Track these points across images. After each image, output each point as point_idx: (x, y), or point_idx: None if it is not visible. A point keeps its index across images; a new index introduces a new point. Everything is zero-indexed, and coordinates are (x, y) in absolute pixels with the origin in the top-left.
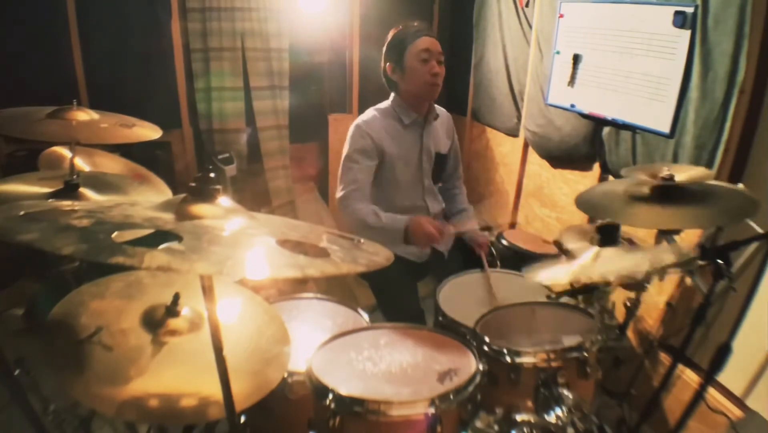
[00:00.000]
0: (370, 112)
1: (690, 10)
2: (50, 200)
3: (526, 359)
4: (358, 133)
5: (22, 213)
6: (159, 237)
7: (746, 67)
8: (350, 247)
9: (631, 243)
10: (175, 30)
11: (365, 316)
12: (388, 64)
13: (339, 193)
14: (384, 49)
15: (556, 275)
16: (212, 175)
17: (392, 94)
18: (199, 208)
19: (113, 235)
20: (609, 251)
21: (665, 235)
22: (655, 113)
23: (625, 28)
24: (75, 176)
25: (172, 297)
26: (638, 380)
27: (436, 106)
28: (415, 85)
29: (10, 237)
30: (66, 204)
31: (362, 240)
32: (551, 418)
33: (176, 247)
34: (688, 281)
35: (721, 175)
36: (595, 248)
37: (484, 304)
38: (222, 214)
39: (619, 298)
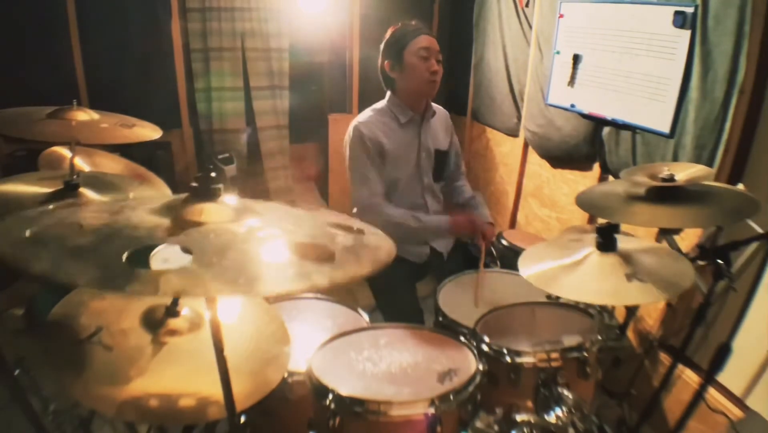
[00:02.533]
0: (366, 113)
1: (690, 10)
2: (51, 206)
3: (526, 359)
4: (357, 139)
5: (27, 234)
6: (169, 253)
7: (746, 67)
8: (353, 241)
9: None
10: (175, 30)
11: (365, 316)
12: (386, 61)
13: (361, 204)
14: (382, 46)
15: (538, 270)
16: (212, 174)
17: (388, 93)
18: (201, 208)
19: (124, 257)
20: (599, 259)
21: (665, 234)
22: (655, 113)
23: (625, 28)
24: (75, 176)
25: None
26: (638, 380)
27: (432, 104)
28: (415, 82)
29: (24, 267)
30: (67, 212)
31: (362, 228)
32: (551, 418)
33: (188, 268)
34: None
35: (721, 175)
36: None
37: (484, 304)
38: (227, 213)
39: None
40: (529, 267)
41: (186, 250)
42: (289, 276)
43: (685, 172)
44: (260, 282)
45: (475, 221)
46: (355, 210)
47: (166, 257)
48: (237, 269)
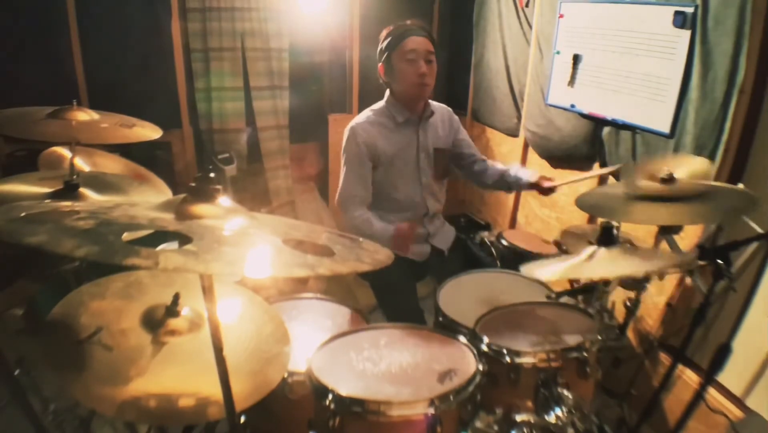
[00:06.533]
0: (364, 113)
1: (690, 10)
2: (47, 201)
3: (526, 359)
4: (351, 138)
5: (22, 215)
6: (169, 238)
7: (746, 67)
8: (352, 246)
9: (630, 244)
10: (175, 30)
11: (365, 317)
12: (380, 65)
13: (339, 197)
14: (377, 50)
15: (553, 272)
16: (212, 175)
17: (387, 93)
18: (199, 208)
19: (123, 236)
20: (606, 251)
21: (665, 234)
22: (655, 113)
23: (625, 28)
24: (75, 176)
25: (172, 297)
26: (638, 380)
27: (433, 102)
28: (404, 85)
29: (17, 239)
30: (65, 205)
31: (362, 239)
32: (551, 418)
33: (189, 248)
34: (688, 281)
35: (721, 175)
36: (593, 247)
37: (484, 304)
38: (223, 214)
39: (619, 298)
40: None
41: (185, 238)
42: (290, 263)
43: (684, 167)
44: (260, 265)
45: (406, 234)
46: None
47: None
48: (237, 254)
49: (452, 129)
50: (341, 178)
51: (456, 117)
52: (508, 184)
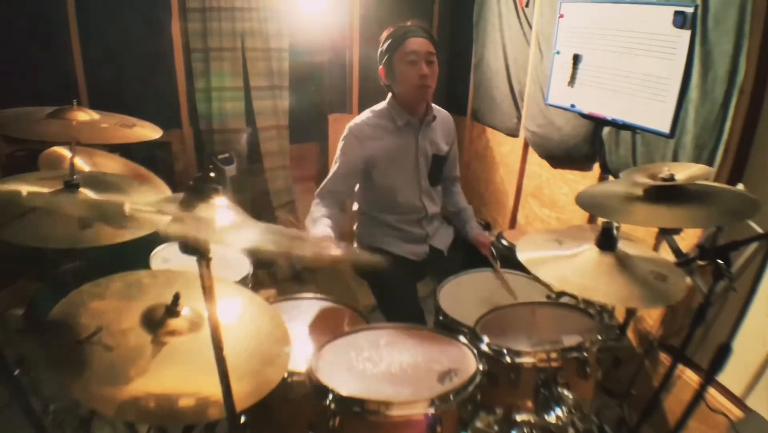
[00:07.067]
0: (364, 114)
1: (690, 10)
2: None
3: (526, 359)
4: (348, 137)
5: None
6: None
7: (746, 67)
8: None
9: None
10: (175, 30)
11: (365, 316)
12: (380, 67)
13: (318, 188)
14: (378, 52)
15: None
16: (212, 174)
17: (389, 95)
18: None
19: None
20: (599, 256)
21: (665, 234)
22: (655, 113)
23: (625, 28)
24: (75, 176)
25: (172, 297)
26: (638, 380)
27: (436, 107)
28: (405, 87)
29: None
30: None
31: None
32: (551, 418)
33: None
34: (688, 281)
35: (721, 176)
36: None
37: (484, 304)
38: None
39: None
40: (527, 251)
41: None
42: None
43: (685, 172)
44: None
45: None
46: None
47: (166, 256)
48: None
49: (450, 138)
50: (330, 171)
51: (454, 127)
52: (459, 222)
